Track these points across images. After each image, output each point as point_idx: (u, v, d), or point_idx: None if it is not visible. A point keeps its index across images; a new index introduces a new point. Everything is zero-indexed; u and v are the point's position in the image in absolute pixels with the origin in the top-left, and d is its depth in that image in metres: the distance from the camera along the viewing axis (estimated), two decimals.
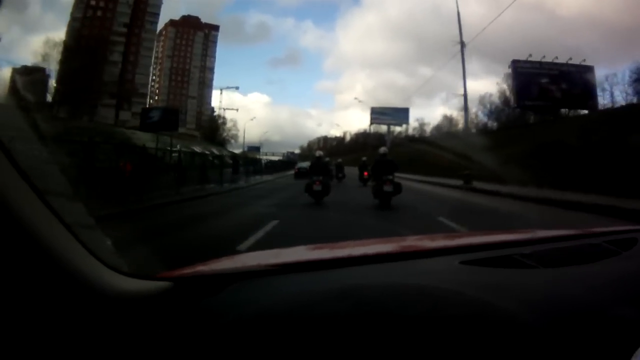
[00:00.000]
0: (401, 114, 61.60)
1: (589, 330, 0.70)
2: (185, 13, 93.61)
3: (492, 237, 1.51)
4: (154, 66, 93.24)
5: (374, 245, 1.43)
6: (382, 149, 12.17)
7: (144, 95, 71.59)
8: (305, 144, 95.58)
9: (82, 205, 0.83)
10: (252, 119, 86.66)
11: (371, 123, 63.88)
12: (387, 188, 10.73)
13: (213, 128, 76.74)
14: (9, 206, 0.58)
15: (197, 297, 0.80)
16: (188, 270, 1.00)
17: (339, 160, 30.10)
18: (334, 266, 1.01)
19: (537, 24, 73.07)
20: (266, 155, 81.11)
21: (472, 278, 0.89)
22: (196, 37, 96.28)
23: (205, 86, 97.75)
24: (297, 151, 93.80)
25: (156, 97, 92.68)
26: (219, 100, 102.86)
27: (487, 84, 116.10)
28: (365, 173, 18.08)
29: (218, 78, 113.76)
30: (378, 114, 61.23)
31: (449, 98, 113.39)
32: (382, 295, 0.78)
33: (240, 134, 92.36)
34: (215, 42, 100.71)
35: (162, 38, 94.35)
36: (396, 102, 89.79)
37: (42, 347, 0.64)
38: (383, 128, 73.34)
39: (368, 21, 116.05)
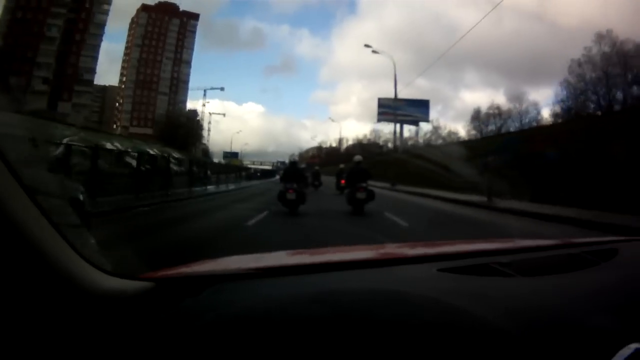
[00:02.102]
0: (419, 109, 47.07)
1: (566, 339, 0.71)
2: None
3: (471, 245, 1.51)
4: (124, 57, 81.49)
5: (353, 252, 1.45)
6: (357, 157, 12.27)
7: (89, 83, 56.74)
8: (297, 154, 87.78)
9: (67, 204, 0.87)
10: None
11: (379, 120, 49.51)
12: (360, 195, 10.84)
13: (175, 127, 62.19)
14: None
15: (177, 298, 0.82)
16: (170, 272, 1.00)
17: (316, 167, 29.60)
18: (313, 271, 1.03)
19: (537, 35, 67.19)
20: (253, 163, 74.76)
21: (449, 285, 0.89)
22: (171, 24, 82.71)
23: (180, 82, 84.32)
24: (287, 161, 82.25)
25: (121, 92, 79.82)
26: (201, 103, 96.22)
27: (483, 96, 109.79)
28: (342, 181, 17.00)
29: (210, 84, 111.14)
30: (388, 107, 46.62)
31: (445, 111, 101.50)
32: (357, 300, 0.79)
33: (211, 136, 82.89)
34: (194, 33, 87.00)
35: (133, 25, 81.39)
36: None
37: (24, 344, 0.64)
38: (386, 133, 60.50)
39: (364, 31, 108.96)
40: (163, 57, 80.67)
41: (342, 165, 23.94)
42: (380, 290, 0.84)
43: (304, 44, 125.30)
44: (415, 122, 49.65)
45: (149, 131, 71.64)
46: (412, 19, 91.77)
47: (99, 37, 57.69)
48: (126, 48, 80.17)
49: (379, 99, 48.15)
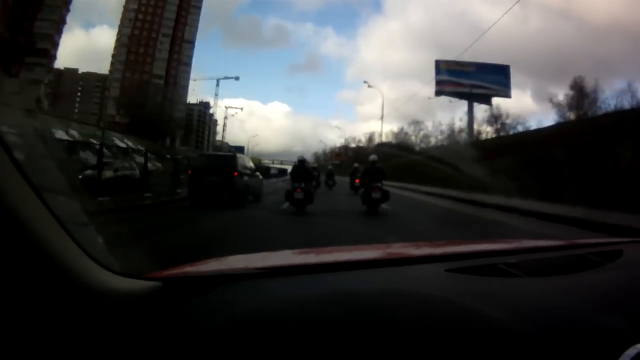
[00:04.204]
0: (496, 77, 32.27)
1: (573, 339, 0.72)
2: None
3: (478, 246, 1.52)
4: (117, 36, 69.12)
5: (360, 252, 1.47)
6: (372, 157, 12.15)
7: (45, 53, 43.63)
8: (320, 152, 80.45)
9: (76, 203, 0.86)
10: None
11: (438, 93, 35.02)
12: (375, 195, 10.56)
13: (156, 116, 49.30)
14: (5, 201, 0.60)
15: (186, 298, 0.83)
16: (177, 271, 1.01)
17: (330, 167, 29.34)
18: (321, 271, 1.04)
19: (563, 33, 63.88)
20: (273, 162, 67.00)
21: (458, 286, 0.91)
22: None
23: (181, 64, 71.42)
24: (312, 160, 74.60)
25: (109, 76, 67.49)
26: (223, 104, 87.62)
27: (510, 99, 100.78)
28: (357, 181, 16.61)
29: (232, 83, 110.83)
30: (452, 74, 32.05)
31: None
32: (372, 301, 0.80)
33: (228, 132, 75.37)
34: (199, 8, 74.34)
35: None
36: (419, 115, 74.11)
37: (28, 344, 0.65)
38: (428, 126, 46.37)
39: (390, 29, 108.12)
40: (159, 34, 68.05)
41: (356, 165, 23.59)
42: (394, 291, 0.84)
43: (329, 43, 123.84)
44: (487, 98, 34.50)
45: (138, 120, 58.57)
46: (438, 18, 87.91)
47: None
48: (119, 26, 68.08)
49: (438, 62, 33.36)
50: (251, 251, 1.34)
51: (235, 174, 11.69)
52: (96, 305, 0.71)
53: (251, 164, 14.50)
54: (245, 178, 12.39)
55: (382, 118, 36.88)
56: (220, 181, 11.32)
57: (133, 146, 28.08)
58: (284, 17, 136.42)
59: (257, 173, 15.01)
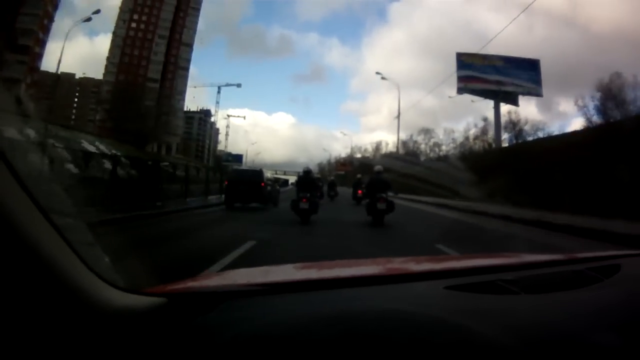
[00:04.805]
0: (525, 73, 28.96)
1: (568, 357, 0.73)
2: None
3: (476, 261, 1.55)
4: (112, 37, 65.96)
5: (361, 267, 1.49)
6: (377, 167, 12.03)
7: (27, 50, 40.14)
8: (325, 162, 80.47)
9: (82, 221, 0.88)
10: None
11: (460, 91, 31.88)
12: (381, 206, 10.62)
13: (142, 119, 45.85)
14: (11, 220, 0.60)
15: (191, 314, 0.84)
16: (180, 286, 1.05)
17: (332, 178, 29.88)
18: (323, 287, 1.07)
19: (568, 42, 64.49)
20: (276, 172, 63.37)
21: (457, 304, 0.93)
22: None
23: (178, 67, 68.11)
24: (316, 170, 71.81)
25: (103, 78, 64.23)
26: (215, 100, 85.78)
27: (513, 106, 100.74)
28: (360, 191, 17.84)
29: (237, 92, 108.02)
30: (476, 69, 28.87)
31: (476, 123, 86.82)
32: (372, 322, 0.82)
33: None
34: (197, 10, 71.31)
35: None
36: (426, 124, 75.05)
37: None
38: (438, 134, 43.18)
39: (395, 39, 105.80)
40: (155, 35, 64.81)
41: (359, 176, 23.69)
42: (394, 312, 0.85)
43: (334, 53, 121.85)
44: (514, 97, 30.94)
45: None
46: (442, 28, 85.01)
47: None
48: (114, 27, 65.01)
49: (460, 55, 29.91)
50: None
51: (262, 184, 15.07)
52: (100, 321, 0.70)
53: (271, 176, 17.62)
54: (268, 188, 15.81)
55: (398, 116, 33.16)
56: (251, 190, 14.52)
57: (106, 151, 24.52)
58: (288, 26, 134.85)
59: (276, 184, 18.74)
